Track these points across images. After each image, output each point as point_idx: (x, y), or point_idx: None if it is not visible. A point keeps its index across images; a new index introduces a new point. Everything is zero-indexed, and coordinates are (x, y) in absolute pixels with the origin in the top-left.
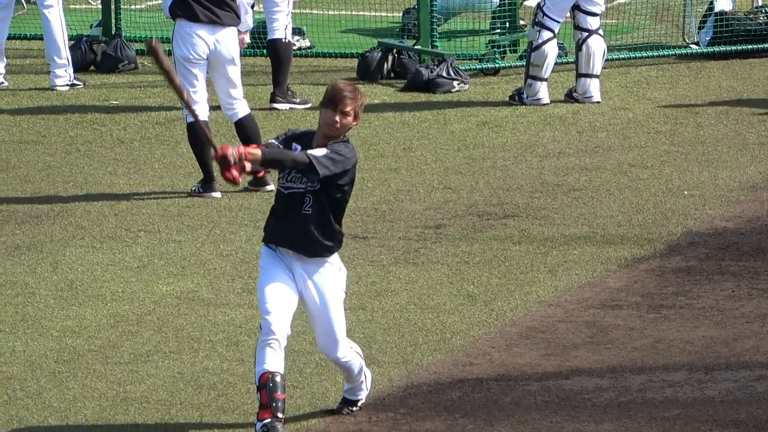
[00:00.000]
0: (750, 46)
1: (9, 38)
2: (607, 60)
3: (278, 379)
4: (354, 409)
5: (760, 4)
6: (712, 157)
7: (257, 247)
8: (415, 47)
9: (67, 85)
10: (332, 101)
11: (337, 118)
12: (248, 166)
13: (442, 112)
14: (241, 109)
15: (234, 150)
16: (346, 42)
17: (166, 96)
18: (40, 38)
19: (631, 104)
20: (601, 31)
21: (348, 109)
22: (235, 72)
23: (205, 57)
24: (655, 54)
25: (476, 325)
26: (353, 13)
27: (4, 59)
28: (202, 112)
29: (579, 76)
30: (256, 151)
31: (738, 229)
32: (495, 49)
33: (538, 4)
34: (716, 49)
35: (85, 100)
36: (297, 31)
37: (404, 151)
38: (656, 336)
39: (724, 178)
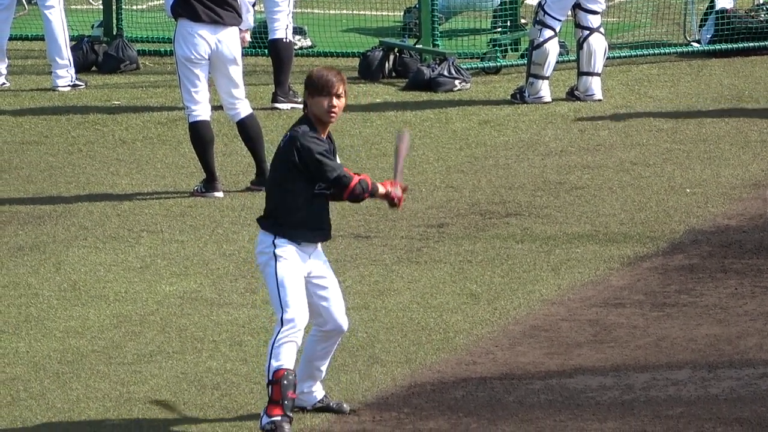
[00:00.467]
0: (751, 44)
1: (10, 39)
2: (608, 58)
3: (292, 377)
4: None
5: (761, 1)
6: (714, 155)
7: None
8: (417, 46)
9: (68, 85)
10: (324, 88)
11: (335, 103)
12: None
13: (443, 111)
14: (243, 108)
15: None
16: (347, 41)
17: (167, 96)
18: (42, 39)
19: (632, 102)
20: (602, 29)
21: (341, 91)
22: (237, 72)
23: (206, 57)
24: (656, 52)
25: (479, 323)
26: (354, 12)
27: (6, 60)
28: (204, 112)
29: (580, 74)
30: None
31: (741, 227)
32: (496, 48)
33: (539, 3)
34: (717, 46)
35: (86, 100)
36: (298, 31)
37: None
38: (659, 334)
39: (727, 175)
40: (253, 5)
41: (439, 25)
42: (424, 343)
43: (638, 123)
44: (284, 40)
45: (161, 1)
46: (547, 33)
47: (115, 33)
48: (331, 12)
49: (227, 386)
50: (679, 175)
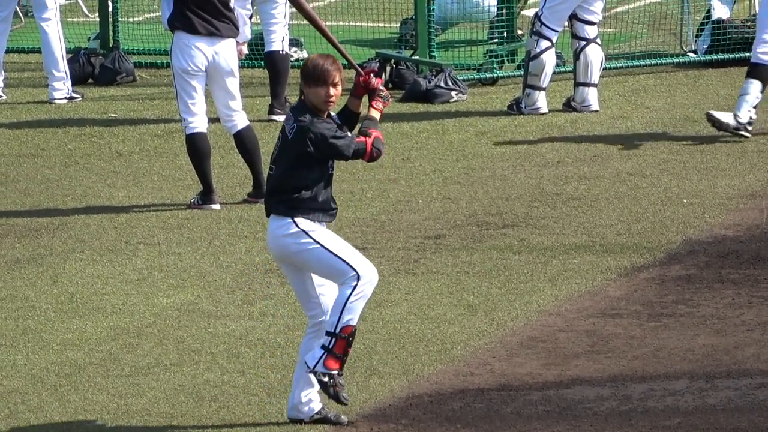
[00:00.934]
0: (748, 54)
1: (7, 52)
2: (605, 69)
3: (354, 337)
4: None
5: (757, 11)
6: (711, 166)
7: (257, 259)
8: (413, 57)
9: (65, 98)
10: (321, 78)
11: (332, 92)
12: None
13: (440, 122)
14: (240, 120)
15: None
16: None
17: (164, 108)
18: (38, 51)
19: (629, 113)
20: (598, 40)
21: (337, 79)
22: (234, 84)
23: (203, 68)
24: (652, 62)
25: (477, 335)
26: (350, 23)
27: (2, 73)
28: (201, 124)
29: (577, 85)
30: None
31: (737, 237)
32: (493, 59)
33: (536, 14)
34: (714, 57)
35: (83, 113)
36: (294, 43)
37: (403, 162)
38: (657, 344)
39: (723, 186)
40: (250, 18)
41: (436, 36)
42: (422, 355)
43: (635, 133)
44: (281, 52)
45: (158, 14)
46: (544, 44)
47: (111, 45)
48: (328, 23)
49: (225, 398)
50: (675, 185)
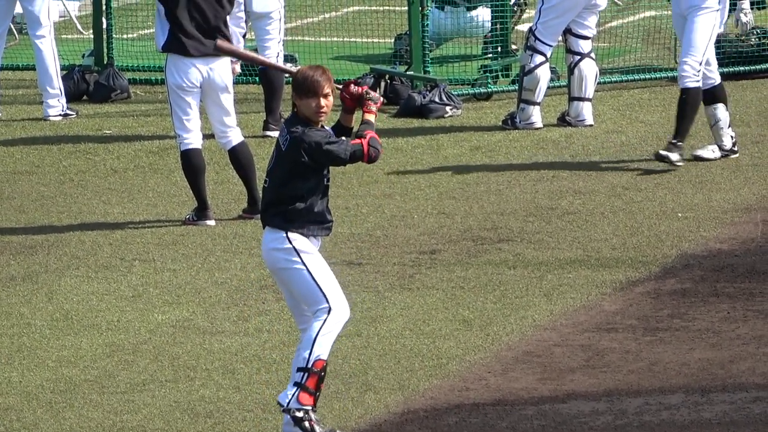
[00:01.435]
0: (742, 68)
1: (1, 69)
2: (599, 83)
3: (326, 372)
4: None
5: (752, 25)
6: (706, 179)
7: (252, 275)
8: (408, 73)
9: (59, 115)
10: (311, 89)
11: (323, 103)
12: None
13: (435, 137)
14: (235, 136)
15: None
16: (338, 68)
17: (159, 125)
18: (33, 69)
19: (624, 127)
20: (593, 55)
21: (327, 90)
22: (228, 100)
23: (198, 85)
24: (647, 77)
25: (472, 350)
26: (345, 39)
27: None
28: (196, 140)
29: (571, 99)
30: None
31: (733, 251)
32: (487, 74)
33: (530, 29)
34: None
35: (78, 129)
36: (289, 59)
37: (398, 177)
38: (652, 359)
39: (718, 200)
40: (244, 36)
41: (430, 51)
42: (417, 370)
43: (629, 148)
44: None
45: (152, 30)
46: (538, 59)
47: (105, 62)
48: (322, 39)
49: (220, 414)
50: (670, 199)
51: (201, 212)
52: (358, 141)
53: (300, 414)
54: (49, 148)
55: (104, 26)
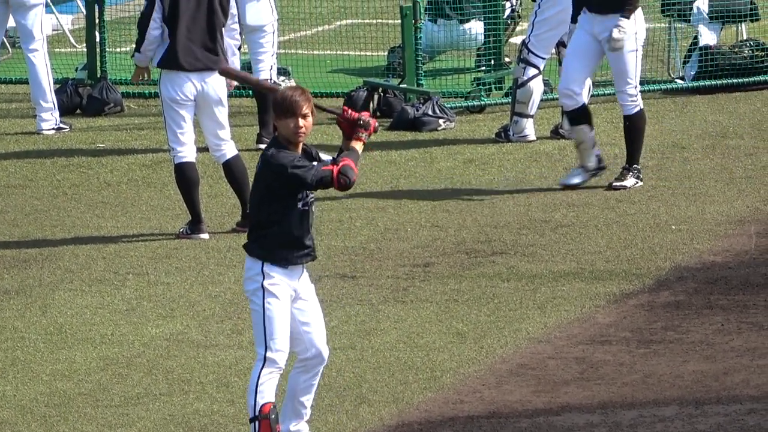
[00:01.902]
0: (735, 80)
1: None
2: (592, 96)
3: (277, 411)
4: None
5: (744, 37)
6: (699, 192)
7: None
8: (401, 86)
9: (53, 128)
10: (289, 110)
11: (301, 123)
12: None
13: (428, 150)
14: (229, 150)
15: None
16: (331, 81)
17: (152, 138)
18: (26, 82)
19: (617, 139)
20: None
21: (306, 110)
22: (222, 113)
23: (192, 98)
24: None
25: (466, 362)
26: (338, 52)
27: None
28: (190, 154)
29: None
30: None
31: (726, 263)
32: (480, 87)
33: (523, 41)
34: (702, 83)
35: (71, 143)
36: (282, 72)
37: (391, 190)
38: (646, 371)
39: (712, 212)
40: (239, 48)
41: (423, 64)
42: (411, 383)
43: (623, 160)
44: (269, 81)
45: None
46: (531, 71)
47: (99, 76)
48: (315, 53)
49: (214, 428)
50: (664, 212)
51: (195, 225)
52: (329, 167)
53: None
54: (43, 161)
55: (97, 40)
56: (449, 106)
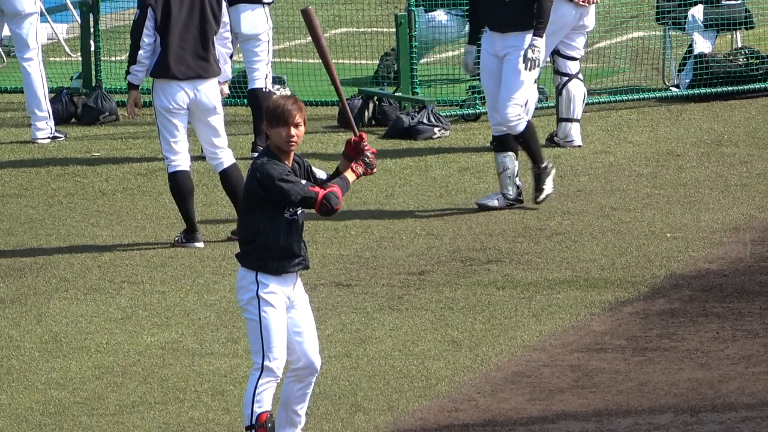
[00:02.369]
0: (730, 88)
1: None
2: (587, 104)
3: (273, 421)
4: None
5: (739, 45)
6: (694, 200)
7: None
8: (396, 94)
9: (48, 137)
10: (282, 119)
11: (293, 133)
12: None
13: (423, 158)
14: (227, 158)
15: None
16: (326, 90)
17: (147, 147)
18: (21, 91)
19: (612, 148)
20: (581, 75)
21: (299, 120)
22: (218, 121)
23: (185, 107)
24: (635, 97)
25: (461, 370)
26: (333, 61)
27: None
28: (184, 162)
29: (560, 120)
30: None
31: (721, 271)
32: (475, 95)
33: None
34: (696, 91)
35: (66, 152)
36: (277, 80)
37: (386, 198)
38: (641, 379)
39: (707, 220)
40: (231, 56)
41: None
42: (407, 391)
43: (618, 168)
44: (263, 89)
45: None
46: None
47: (94, 84)
48: (310, 61)
49: None
50: (659, 220)
51: (190, 234)
52: (316, 189)
53: None
54: (38, 170)
55: (92, 49)
56: (444, 114)
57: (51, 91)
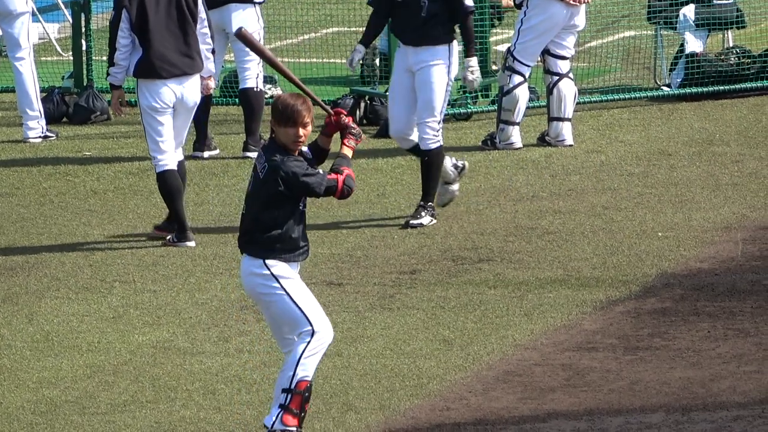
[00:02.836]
0: (721, 87)
1: None
2: (578, 103)
3: (311, 390)
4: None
5: (730, 45)
6: (686, 199)
7: (232, 296)
8: (387, 93)
9: (39, 137)
10: (291, 119)
11: (301, 132)
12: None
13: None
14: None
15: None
16: (317, 90)
17: (138, 146)
18: (12, 91)
19: (603, 147)
20: (571, 75)
21: (307, 120)
22: (190, 119)
23: (171, 105)
24: (626, 96)
25: (453, 369)
26: (324, 60)
27: None
28: (171, 161)
29: (551, 119)
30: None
31: (713, 270)
32: (467, 94)
33: (509, 49)
34: (688, 90)
35: (57, 151)
36: (269, 80)
37: (378, 198)
38: (633, 378)
39: (698, 219)
40: (213, 52)
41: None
42: (398, 390)
43: (609, 167)
44: (255, 89)
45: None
46: (517, 79)
47: (85, 84)
48: (301, 60)
49: None
50: (650, 219)
51: (181, 234)
52: (334, 176)
53: None
54: (29, 169)
55: (84, 48)
56: None
57: (42, 90)
